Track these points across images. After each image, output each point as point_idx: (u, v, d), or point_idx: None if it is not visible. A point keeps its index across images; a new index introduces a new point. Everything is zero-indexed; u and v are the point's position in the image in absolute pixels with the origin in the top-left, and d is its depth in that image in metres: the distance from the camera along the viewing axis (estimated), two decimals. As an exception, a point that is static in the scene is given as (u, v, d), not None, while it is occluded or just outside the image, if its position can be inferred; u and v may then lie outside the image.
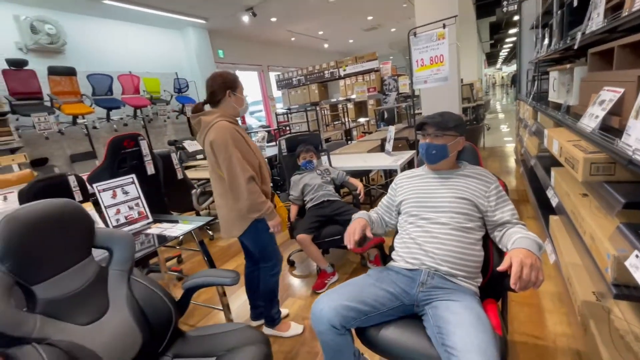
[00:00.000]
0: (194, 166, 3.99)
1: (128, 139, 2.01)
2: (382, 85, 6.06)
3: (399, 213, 1.33)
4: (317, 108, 5.03)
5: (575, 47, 1.69)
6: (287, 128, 5.98)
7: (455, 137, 1.22)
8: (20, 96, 4.07)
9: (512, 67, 24.38)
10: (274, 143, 4.74)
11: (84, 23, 5.09)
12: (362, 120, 6.99)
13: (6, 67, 3.98)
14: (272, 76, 9.38)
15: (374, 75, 6.03)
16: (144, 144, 2.08)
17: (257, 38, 8.41)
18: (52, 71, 4.36)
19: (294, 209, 2.33)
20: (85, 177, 2.39)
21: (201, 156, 4.89)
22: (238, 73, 8.47)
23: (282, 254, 2.73)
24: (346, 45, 11.22)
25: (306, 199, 2.30)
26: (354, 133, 6.79)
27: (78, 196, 2.07)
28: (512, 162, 4.69)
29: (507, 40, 14.47)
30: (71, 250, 0.97)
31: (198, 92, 6.60)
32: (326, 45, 10.67)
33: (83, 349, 0.89)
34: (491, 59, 22.44)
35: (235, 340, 1.07)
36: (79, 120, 4.65)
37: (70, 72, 4.55)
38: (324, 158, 2.71)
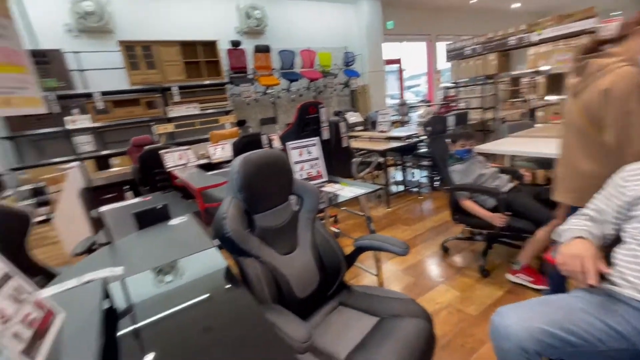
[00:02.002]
0: (355, 136, 4.20)
1: (312, 106, 2.26)
2: (597, 51, 4.54)
3: (618, 220, 0.97)
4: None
5: None
6: (454, 104, 5.40)
7: None
8: (235, 70, 5.27)
9: None
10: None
11: (279, 6, 5.97)
12: (553, 98, 5.54)
13: (229, 47, 5.19)
14: (440, 47, 8.61)
15: (586, 39, 4.58)
16: (323, 111, 2.30)
17: (429, 4, 7.78)
18: (257, 49, 5.39)
19: (475, 206, 1.97)
20: (272, 136, 2.92)
21: (360, 127, 5.10)
22: (405, 44, 8.20)
23: (437, 238, 2.61)
24: (545, 2, 8.90)
25: None
26: (539, 114, 5.49)
27: (267, 151, 2.60)
28: None
29: None
30: (279, 192, 1.18)
31: (363, 66, 6.80)
32: (517, 5, 8.81)
33: (281, 273, 1.08)
34: None
35: (400, 309, 1.08)
36: (268, 91, 5.64)
37: (266, 50, 5.52)
38: None
